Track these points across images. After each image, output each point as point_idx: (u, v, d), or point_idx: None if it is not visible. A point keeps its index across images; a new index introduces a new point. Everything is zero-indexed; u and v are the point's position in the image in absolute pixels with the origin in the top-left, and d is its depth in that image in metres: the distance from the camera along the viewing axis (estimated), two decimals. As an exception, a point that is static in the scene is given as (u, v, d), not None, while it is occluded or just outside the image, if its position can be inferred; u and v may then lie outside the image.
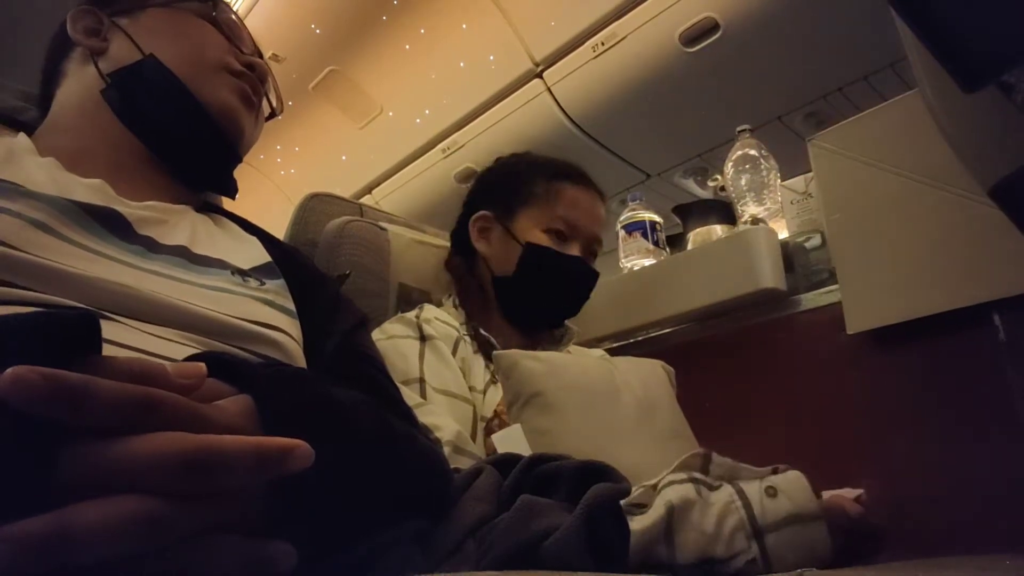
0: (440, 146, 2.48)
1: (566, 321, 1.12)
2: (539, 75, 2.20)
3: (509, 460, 0.54)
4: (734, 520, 0.70)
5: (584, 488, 0.44)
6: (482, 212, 1.06)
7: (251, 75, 0.70)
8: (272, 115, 0.79)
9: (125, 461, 0.27)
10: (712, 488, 0.74)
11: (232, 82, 0.68)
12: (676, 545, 0.68)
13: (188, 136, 0.66)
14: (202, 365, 0.33)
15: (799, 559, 0.70)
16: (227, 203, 0.82)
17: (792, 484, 0.75)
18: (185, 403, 0.31)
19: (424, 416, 0.78)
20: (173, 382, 0.31)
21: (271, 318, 0.55)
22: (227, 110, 0.67)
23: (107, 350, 0.31)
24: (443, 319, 0.93)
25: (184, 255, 0.56)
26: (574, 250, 1.02)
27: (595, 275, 1.06)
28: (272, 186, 2.96)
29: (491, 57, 2.24)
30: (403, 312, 0.98)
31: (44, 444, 0.26)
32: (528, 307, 1.03)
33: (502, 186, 1.08)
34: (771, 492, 0.73)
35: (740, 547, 0.69)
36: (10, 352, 0.26)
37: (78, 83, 0.66)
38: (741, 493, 0.73)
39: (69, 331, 0.29)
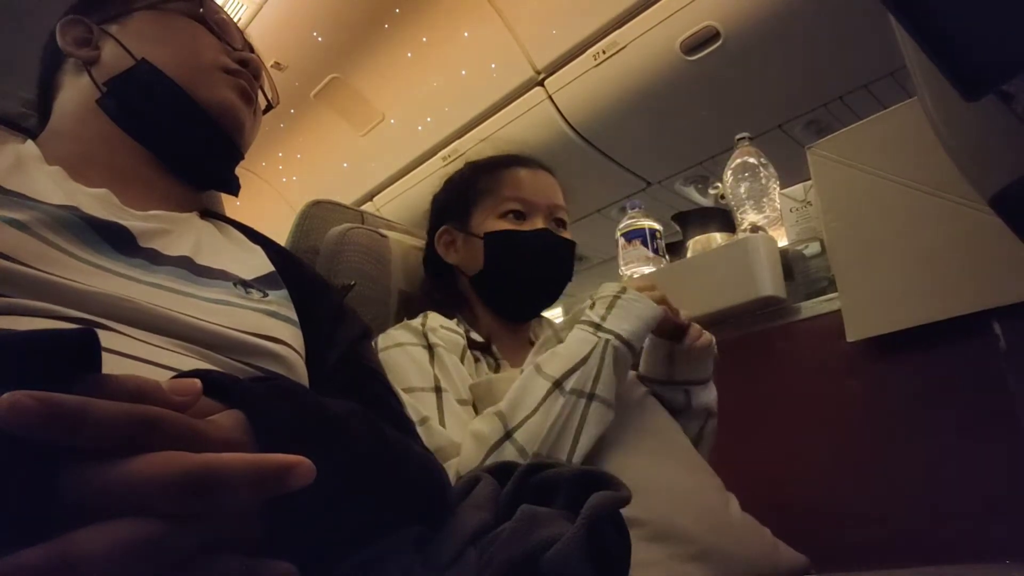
0: (441, 154, 2.48)
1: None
2: (540, 83, 2.20)
3: (507, 468, 0.54)
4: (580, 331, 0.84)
5: (584, 496, 0.43)
6: (443, 227, 1.07)
7: (246, 72, 0.70)
8: (268, 108, 0.79)
9: (125, 483, 0.27)
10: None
11: (229, 80, 0.68)
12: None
13: (189, 137, 0.66)
14: (197, 381, 0.33)
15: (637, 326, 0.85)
16: (229, 209, 0.82)
17: (603, 287, 0.90)
18: (183, 420, 0.30)
19: (435, 439, 0.78)
20: (169, 399, 0.31)
21: (273, 330, 0.55)
22: (227, 109, 0.67)
23: (107, 360, 0.31)
24: (448, 327, 0.93)
25: (187, 266, 0.56)
26: (537, 225, 1.01)
27: (568, 243, 1.05)
28: (274, 193, 2.96)
29: (492, 65, 2.24)
30: (405, 318, 0.98)
31: (43, 469, 0.26)
32: (511, 293, 1.03)
33: (453, 198, 1.10)
34: (592, 304, 0.88)
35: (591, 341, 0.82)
36: (7, 371, 0.26)
37: (74, 93, 0.66)
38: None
39: (67, 349, 0.29)
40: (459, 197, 1.08)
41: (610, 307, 0.85)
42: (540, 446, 0.75)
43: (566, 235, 1.05)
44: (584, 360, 0.80)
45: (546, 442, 0.75)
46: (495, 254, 1.01)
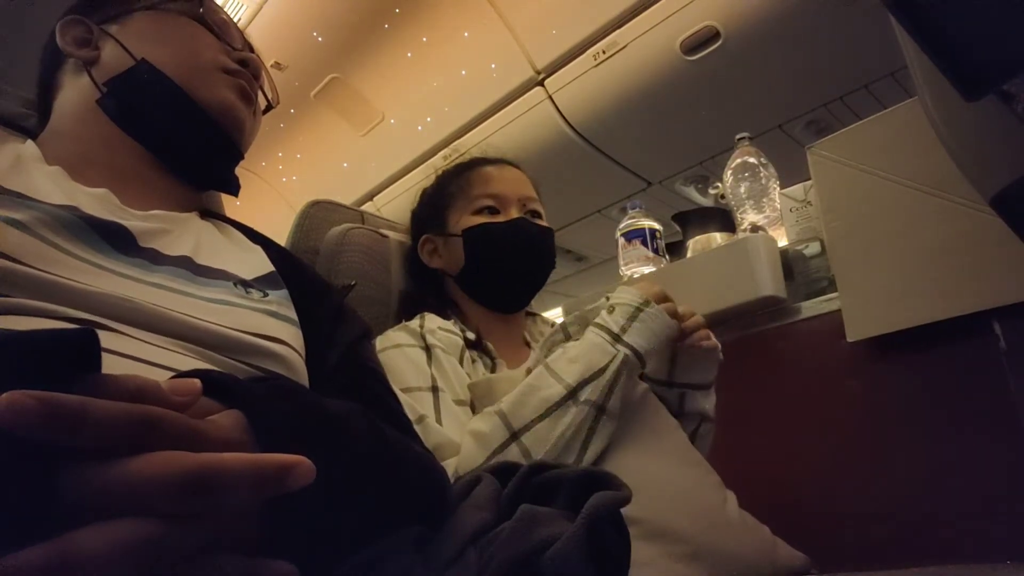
0: (441, 153, 2.48)
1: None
2: (540, 83, 2.20)
3: (508, 468, 0.54)
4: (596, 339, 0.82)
5: (584, 496, 0.43)
6: (424, 237, 1.09)
7: (245, 72, 0.70)
8: (268, 108, 0.79)
9: (125, 483, 0.27)
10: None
11: (229, 81, 0.68)
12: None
13: (189, 137, 0.66)
14: (197, 381, 0.33)
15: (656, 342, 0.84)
16: (229, 209, 0.82)
17: (622, 292, 0.88)
18: (182, 420, 0.30)
19: (433, 437, 0.78)
20: (169, 399, 0.31)
21: (274, 330, 0.55)
22: (227, 109, 0.67)
23: (107, 360, 0.31)
24: (446, 328, 0.93)
25: (187, 266, 0.56)
26: (511, 215, 1.04)
27: (545, 230, 1.06)
28: (274, 193, 2.96)
29: (493, 65, 2.24)
30: (405, 319, 0.98)
31: (43, 469, 0.26)
32: (495, 285, 1.05)
33: (428, 208, 1.12)
34: (610, 309, 0.86)
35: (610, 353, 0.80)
36: (7, 371, 0.26)
37: (74, 93, 0.66)
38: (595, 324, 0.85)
39: (67, 349, 0.29)
40: (433, 205, 1.10)
41: (631, 319, 0.84)
42: (547, 453, 0.74)
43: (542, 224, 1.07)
44: (601, 371, 0.79)
45: (553, 450, 0.75)
46: (474, 248, 1.02)
